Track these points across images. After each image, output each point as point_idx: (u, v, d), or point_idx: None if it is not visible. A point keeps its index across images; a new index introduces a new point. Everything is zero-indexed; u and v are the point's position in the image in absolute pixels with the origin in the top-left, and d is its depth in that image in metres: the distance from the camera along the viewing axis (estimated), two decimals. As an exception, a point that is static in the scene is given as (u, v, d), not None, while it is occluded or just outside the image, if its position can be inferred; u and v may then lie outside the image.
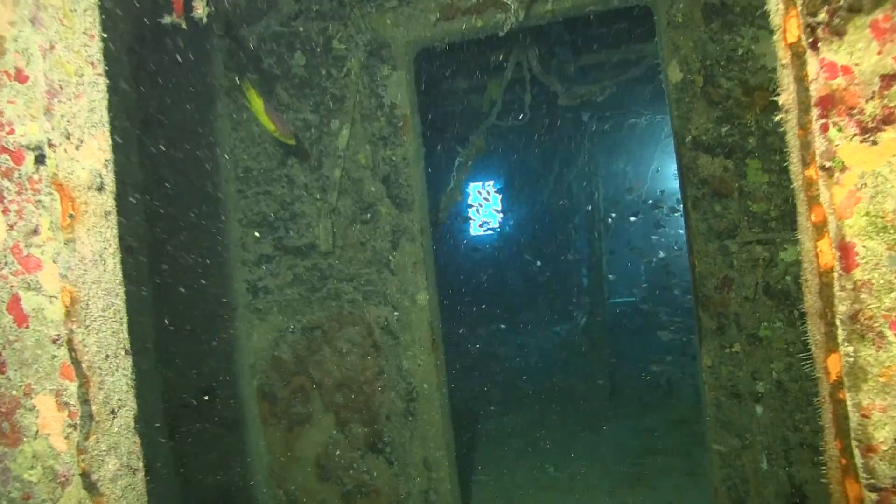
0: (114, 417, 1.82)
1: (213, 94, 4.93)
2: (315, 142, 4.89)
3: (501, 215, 14.93)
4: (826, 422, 1.54)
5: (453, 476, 4.85)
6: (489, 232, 15.06)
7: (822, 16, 1.38)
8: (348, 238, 4.87)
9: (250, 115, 4.94)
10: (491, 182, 14.76)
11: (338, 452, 4.93)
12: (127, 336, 1.91)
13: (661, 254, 12.91)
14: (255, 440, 5.04)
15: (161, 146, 4.13)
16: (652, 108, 10.31)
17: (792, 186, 1.53)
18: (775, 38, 1.53)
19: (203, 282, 4.65)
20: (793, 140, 1.50)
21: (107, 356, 1.81)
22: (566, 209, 11.81)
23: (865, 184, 1.43)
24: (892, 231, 1.42)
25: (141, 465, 1.92)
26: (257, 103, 4.37)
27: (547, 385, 9.79)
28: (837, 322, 1.49)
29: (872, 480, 1.44)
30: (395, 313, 4.80)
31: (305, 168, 4.93)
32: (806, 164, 1.42)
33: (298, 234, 4.95)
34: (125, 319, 1.91)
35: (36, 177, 1.75)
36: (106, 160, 1.82)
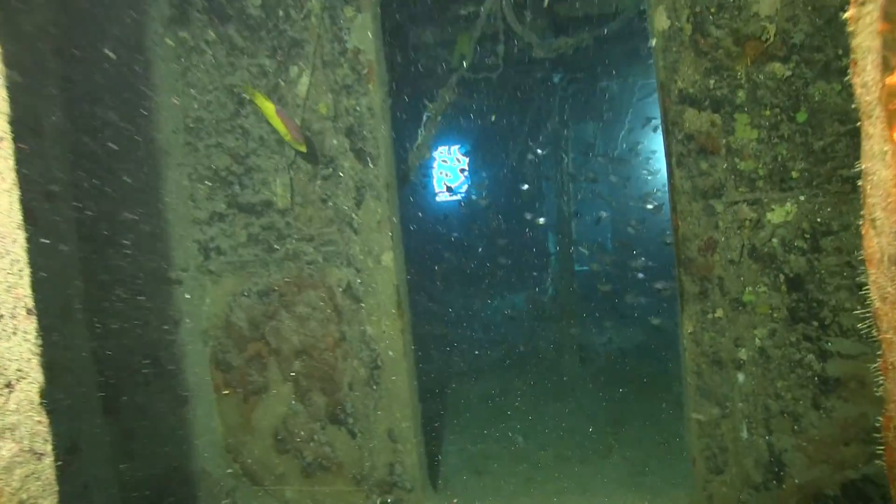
0: (10, 392, 1.48)
1: (153, 33, 4.48)
2: (272, 90, 4.49)
3: (468, 179, 14.59)
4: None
5: (420, 448, 4.60)
6: (455, 196, 14.71)
7: None
8: (308, 195, 4.51)
9: (201, 59, 4.52)
10: (458, 146, 14.38)
11: (297, 424, 4.63)
12: (30, 293, 1.56)
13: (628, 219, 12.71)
14: (207, 412, 4.71)
15: (85, 83, 3.70)
16: (625, 69, 10.04)
17: (855, 106, 1.23)
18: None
19: (146, 240, 4.26)
20: (866, 40, 1.20)
21: None
22: (534, 174, 11.54)
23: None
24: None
25: (49, 448, 1.59)
26: (268, 108, 4.13)
27: (515, 352, 9.60)
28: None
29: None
30: (359, 276, 4.48)
31: (262, 119, 4.53)
32: (889, 68, 1.12)
33: (254, 191, 4.57)
34: (27, 272, 1.55)
35: None
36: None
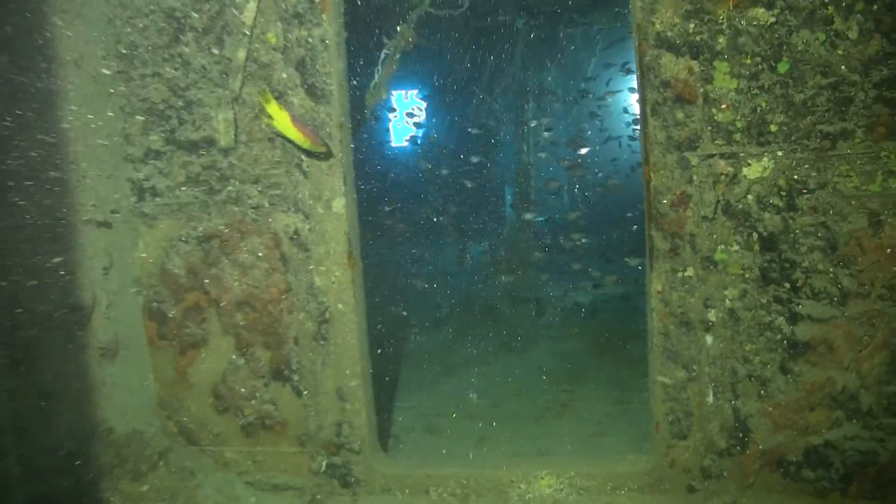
0: None
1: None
2: (215, 16, 4.08)
3: (425, 125, 14.13)
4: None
5: (370, 407, 4.34)
6: (409, 142, 14.23)
7: None
8: (254, 132, 4.13)
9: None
10: (416, 90, 13.83)
11: (238, 380, 4.32)
12: None
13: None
14: (139, 366, 4.35)
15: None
16: (589, 16, 9.74)
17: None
18: None
19: (70, 179, 3.85)
20: None
21: None
22: (494, 121, 11.22)
23: None
24: None
25: None
26: (283, 118, 3.77)
27: (469, 304, 9.39)
28: None
29: None
30: (307, 222, 4.15)
31: (204, 47, 4.12)
32: None
33: (194, 126, 4.17)
34: None
35: None
36: None
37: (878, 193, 3.62)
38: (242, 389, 4.31)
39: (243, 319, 4.25)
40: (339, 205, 4.10)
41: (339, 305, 4.18)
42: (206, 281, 4.26)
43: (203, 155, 4.18)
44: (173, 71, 4.15)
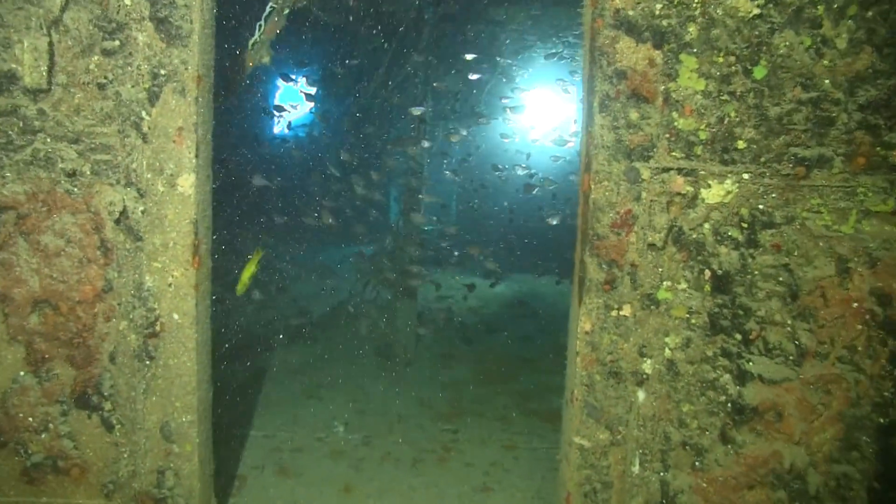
0: None
1: None
2: (39, -90, 2.97)
3: (311, 114, 12.97)
4: None
5: (205, 451, 3.33)
6: (293, 132, 13.01)
7: None
8: (77, 74, 3.05)
9: None
10: (304, 77, 12.63)
11: (24, 404, 3.19)
12: None
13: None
14: None
15: None
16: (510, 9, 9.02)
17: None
18: None
19: None
20: None
21: None
22: (388, 116, 10.29)
23: None
24: None
25: None
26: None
27: (343, 315, 8.42)
28: None
29: None
30: (141, 201, 3.10)
31: (15, -51, 3.00)
32: None
33: (-9, 54, 3.04)
34: None
35: None
36: None
37: (850, 236, 3.02)
38: (30, 418, 3.19)
39: (40, 324, 3.14)
40: (186, 183, 3.09)
41: (175, 315, 3.15)
42: (-9, 267, 3.12)
43: (0, 95, 3.04)
44: (-31, -24, 3.01)
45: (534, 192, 9.53)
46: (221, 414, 3.61)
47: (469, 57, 8.96)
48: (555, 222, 7.98)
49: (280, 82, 13.08)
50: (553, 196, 11.58)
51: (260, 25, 4.21)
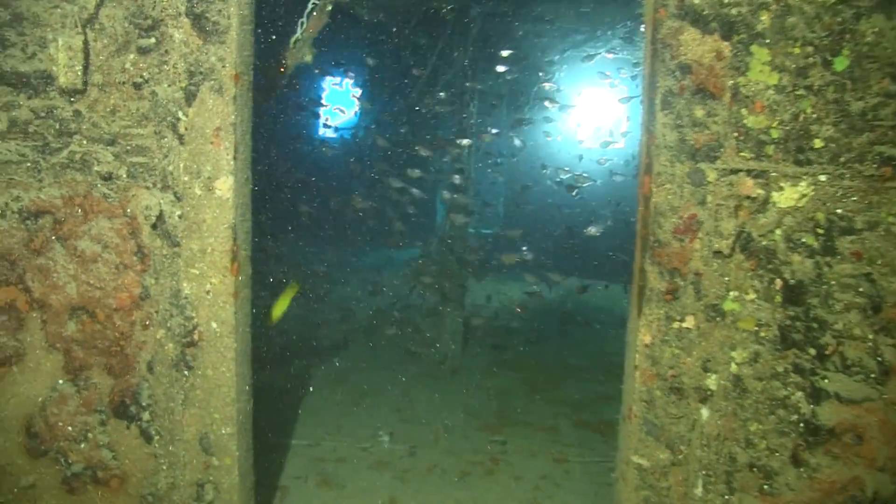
0: None
1: None
2: None
3: (358, 116, 12.87)
4: None
5: (245, 464, 3.22)
6: (340, 134, 12.95)
7: None
8: (112, 73, 2.94)
9: None
10: (350, 78, 12.53)
11: (63, 413, 3.12)
12: None
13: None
14: (-75, 380, 3.10)
15: None
16: (557, 12, 8.75)
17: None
18: None
19: None
20: None
21: None
22: (435, 117, 10.10)
23: None
24: None
25: None
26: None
27: (389, 320, 8.29)
28: None
29: None
30: (179, 205, 2.99)
31: (49, -55, 2.90)
32: None
33: (24, 55, 2.94)
34: None
35: None
36: None
37: (940, 243, 2.75)
38: (69, 427, 3.12)
39: (78, 331, 3.06)
40: (224, 186, 2.96)
41: (214, 324, 3.04)
42: (29, 274, 3.04)
43: (35, 96, 2.95)
44: (2, -28, 2.91)
45: (574, 194, 9.28)
46: (263, 422, 3.50)
47: (505, 53, 8.71)
48: (595, 231, 7.76)
49: (326, 84, 13.01)
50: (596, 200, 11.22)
51: (302, 23, 4.06)
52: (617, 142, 9.82)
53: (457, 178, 7.69)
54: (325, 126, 13.42)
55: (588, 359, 7.37)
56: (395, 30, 9.78)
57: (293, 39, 4.13)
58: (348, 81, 13.03)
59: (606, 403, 5.85)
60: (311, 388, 6.00)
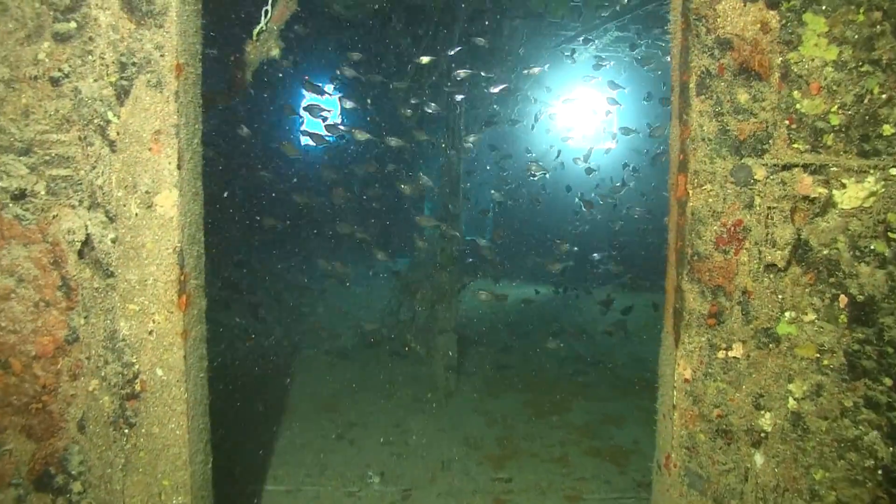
0: None
1: None
2: None
3: (345, 122, 12.38)
4: None
5: (202, 540, 2.65)
6: (321, 144, 12.42)
7: None
8: (22, 66, 2.38)
9: None
10: (332, 85, 12.06)
11: (-27, 486, 2.54)
12: None
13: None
14: None
15: None
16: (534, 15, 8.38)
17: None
18: None
19: None
20: None
21: None
22: (420, 123, 9.62)
23: None
24: None
25: None
26: None
27: (376, 339, 7.73)
28: None
29: None
30: (111, 227, 2.44)
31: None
32: None
33: (-85, 45, 2.38)
34: None
35: None
36: None
37: None
38: (-20, 504, 2.54)
39: (-11, 385, 2.48)
40: (167, 202, 2.42)
41: (159, 371, 2.48)
42: (-74, 316, 2.46)
43: (-74, 96, 2.39)
44: None
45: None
46: (234, 465, 2.93)
47: (481, 41, 8.24)
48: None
49: (306, 92, 12.49)
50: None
51: (266, 11, 3.53)
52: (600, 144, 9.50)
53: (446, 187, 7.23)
54: (305, 134, 12.96)
55: (590, 373, 6.89)
56: (375, 30, 9.35)
57: (256, 30, 3.60)
58: (328, 96, 12.51)
59: (616, 425, 5.38)
60: (292, 419, 5.42)
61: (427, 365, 6.72)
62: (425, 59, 7.03)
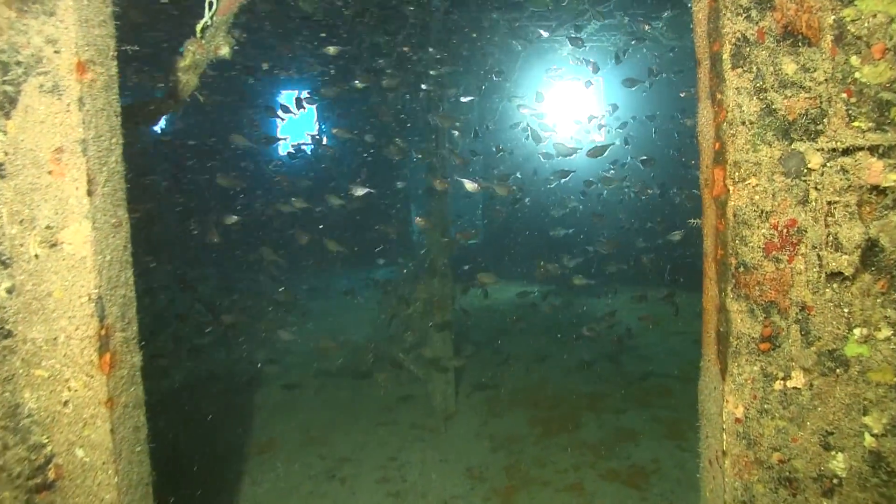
0: None
1: None
2: None
3: (322, 126, 11.99)
4: None
5: None
6: (300, 152, 12.04)
7: None
8: None
9: None
10: (306, 92, 11.54)
11: None
12: None
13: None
14: None
15: None
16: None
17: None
18: None
19: None
20: None
21: None
22: (401, 125, 9.20)
23: None
24: None
25: None
26: None
27: (363, 357, 7.18)
28: None
29: None
30: (6, 274, 1.92)
31: None
32: None
33: None
34: None
35: None
36: None
37: None
38: None
39: None
40: (76, 237, 1.90)
41: (79, 452, 1.96)
42: None
43: None
44: None
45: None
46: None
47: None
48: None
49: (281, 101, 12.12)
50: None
51: (210, 3, 3.02)
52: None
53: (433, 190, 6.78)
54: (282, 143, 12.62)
55: (599, 382, 6.44)
56: (348, 29, 8.91)
57: (200, 25, 3.09)
58: (302, 111, 12.02)
59: (633, 442, 4.95)
60: (278, 455, 4.90)
61: (422, 385, 6.21)
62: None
